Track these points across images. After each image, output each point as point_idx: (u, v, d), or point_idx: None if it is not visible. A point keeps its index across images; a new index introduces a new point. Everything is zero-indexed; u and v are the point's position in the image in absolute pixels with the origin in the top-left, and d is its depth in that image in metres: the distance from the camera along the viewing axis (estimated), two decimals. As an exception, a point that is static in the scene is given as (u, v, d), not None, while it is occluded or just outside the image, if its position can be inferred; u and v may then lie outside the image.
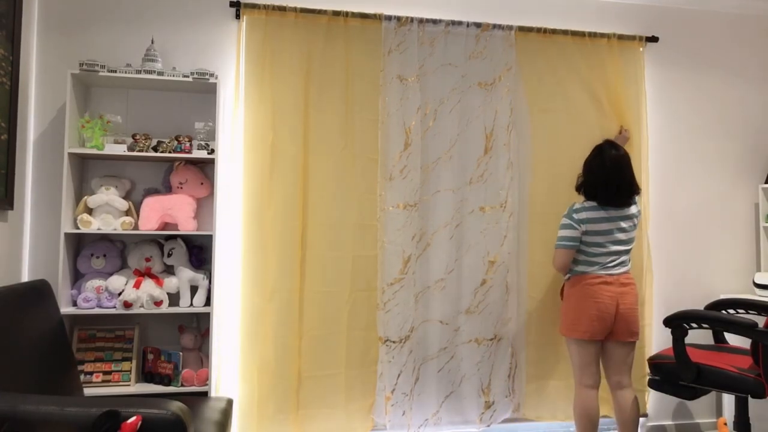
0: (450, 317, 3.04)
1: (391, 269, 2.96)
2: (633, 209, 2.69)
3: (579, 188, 2.77)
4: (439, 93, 3.08)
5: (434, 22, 3.06)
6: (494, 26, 3.11)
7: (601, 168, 2.66)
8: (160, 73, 2.67)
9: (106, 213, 2.65)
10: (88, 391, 2.50)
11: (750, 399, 2.87)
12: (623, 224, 2.66)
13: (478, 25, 3.09)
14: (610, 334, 2.65)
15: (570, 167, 3.16)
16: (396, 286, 2.97)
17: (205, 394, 2.62)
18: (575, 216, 2.66)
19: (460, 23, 3.08)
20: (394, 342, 2.96)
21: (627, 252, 2.71)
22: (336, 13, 2.95)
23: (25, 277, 2.71)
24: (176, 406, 1.67)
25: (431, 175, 3.06)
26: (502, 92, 3.11)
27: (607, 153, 2.67)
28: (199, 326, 2.85)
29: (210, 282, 2.74)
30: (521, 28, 3.15)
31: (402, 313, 2.96)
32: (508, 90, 3.11)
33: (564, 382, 3.11)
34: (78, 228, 2.60)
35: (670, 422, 3.36)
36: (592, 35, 3.22)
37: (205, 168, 2.88)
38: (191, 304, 2.74)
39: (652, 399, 3.25)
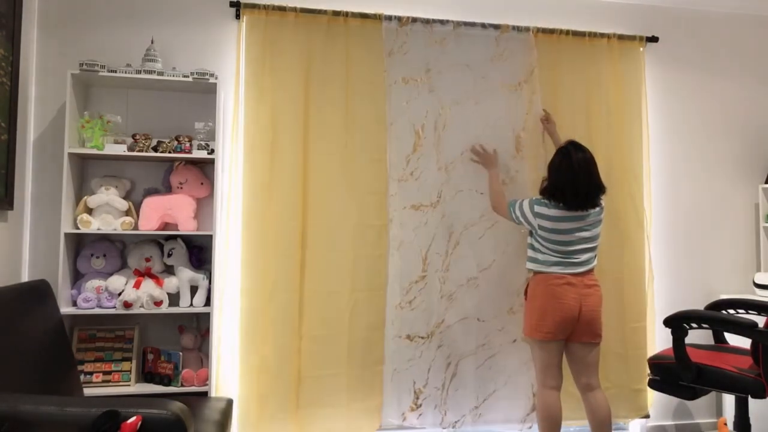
0: (489, 315, 3.04)
1: (414, 269, 2.98)
2: (598, 207, 2.65)
3: (544, 191, 2.67)
4: (452, 93, 3.06)
5: (442, 22, 3.05)
6: (494, 26, 3.11)
7: (569, 172, 2.58)
8: (160, 73, 2.67)
9: (106, 213, 2.65)
10: (88, 391, 2.50)
11: (750, 399, 2.87)
12: (589, 221, 2.61)
13: (484, 26, 3.09)
14: (572, 335, 2.62)
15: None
16: (421, 283, 2.98)
17: (205, 394, 2.62)
18: (536, 209, 2.62)
19: (472, 24, 3.08)
20: (422, 338, 2.97)
21: (593, 249, 2.66)
22: (336, 13, 2.95)
23: (25, 277, 2.71)
24: (176, 406, 1.67)
25: (453, 174, 3.03)
26: (523, 93, 3.10)
27: (574, 156, 2.59)
28: (199, 326, 2.85)
29: (210, 282, 2.74)
30: (520, 28, 3.14)
31: (427, 310, 2.98)
32: (533, 93, 3.10)
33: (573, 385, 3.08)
34: (78, 228, 2.60)
35: (670, 422, 3.36)
36: (592, 35, 3.21)
37: (205, 168, 2.88)
38: (191, 304, 2.74)
39: (653, 399, 3.25)
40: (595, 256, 2.69)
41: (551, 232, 2.60)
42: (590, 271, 2.66)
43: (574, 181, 2.57)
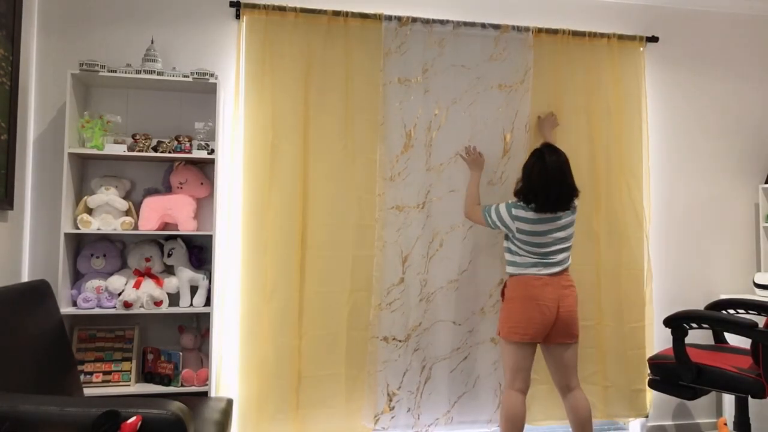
0: (462, 318, 3.04)
1: (397, 270, 2.97)
2: (570, 209, 2.65)
3: (518, 193, 2.68)
4: (448, 94, 3.06)
5: (442, 22, 3.05)
6: (494, 26, 3.10)
7: (542, 175, 2.59)
8: (160, 73, 2.67)
9: (106, 213, 2.65)
10: (88, 391, 2.50)
11: (750, 399, 2.87)
12: (562, 222, 2.62)
13: (484, 25, 3.09)
14: (549, 337, 2.61)
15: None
16: (402, 286, 2.97)
17: (205, 394, 2.62)
18: (514, 212, 2.63)
19: (472, 24, 3.07)
20: (400, 341, 2.96)
21: (567, 249, 2.67)
22: (336, 13, 2.95)
23: (25, 277, 2.71)
24: (176, 406, 1.67)
25: (443, 175, 3.04)
26: (520, 94, 3.10)
27: (548, 159, 2.60)
28: (199, 326, 2.85)
29: (210, 282, 2.74)
30: (520, 28, 3.14)
31: (406, 313, 2.97)
32: (525, 92, 3.10)
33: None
34: (78, 228, 2.60)
35: (670, 422, 3.36)
36: (592, 35, 3.21)
37: (205, 168, 2.88)
38: (191, 304, 2.74)
39: (652, 399, 3.25)
40: (569, 256, 2.70)
41: (529, 234, 2.61)
42: (565, 270, 2.67)
43: (547, 184, 2.58)
